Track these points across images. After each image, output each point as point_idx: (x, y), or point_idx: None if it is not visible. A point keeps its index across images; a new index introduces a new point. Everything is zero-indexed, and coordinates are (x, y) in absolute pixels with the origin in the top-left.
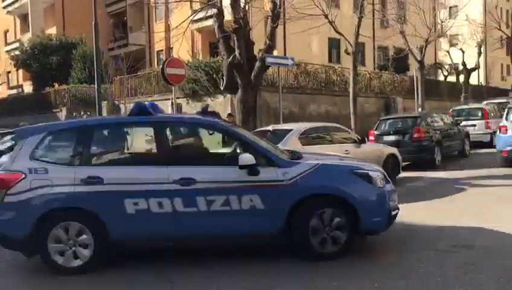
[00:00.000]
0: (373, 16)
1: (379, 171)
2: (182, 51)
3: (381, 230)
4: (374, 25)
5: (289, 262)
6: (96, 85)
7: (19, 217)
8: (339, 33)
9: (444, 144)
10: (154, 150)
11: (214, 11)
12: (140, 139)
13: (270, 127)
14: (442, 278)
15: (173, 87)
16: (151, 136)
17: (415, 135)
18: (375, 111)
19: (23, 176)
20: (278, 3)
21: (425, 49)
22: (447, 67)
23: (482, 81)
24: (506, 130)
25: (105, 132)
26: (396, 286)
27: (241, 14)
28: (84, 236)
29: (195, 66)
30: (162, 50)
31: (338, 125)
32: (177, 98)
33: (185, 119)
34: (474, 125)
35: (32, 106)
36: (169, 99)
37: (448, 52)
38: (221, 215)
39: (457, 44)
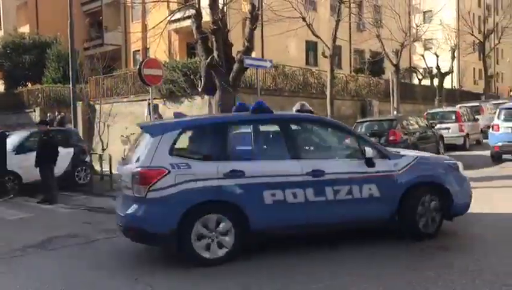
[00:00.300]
0: (349, 20)
1: (459, 161)
2: (158, 51)
3: (466, 211)
4: (350, 28)
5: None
6: (71, 85)
7: (163, 212)
8: (317, 36)
9: (419, 146)
10: (285, 145)
11: (192, 11)
12: (264, 135)
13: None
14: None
15: (150, 88)
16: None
17: (391, 138)
18: (352, 114)
19: (167, 171)
20: (257, 5)
21: (400, 53)
22: (421, 71)
23: (455, 85)
24: (499, 128)
25: (237, 129)
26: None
27: (220, 16)
28: (223, 227)
29: (173, 66)
30: (138, 50)
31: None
32: (154, 98)
33: (309, 117)
34: (448, 128)
35: (4, 105)
36: (145, 100)
37: (422, 56)
38: (345, 204)
39: (431, 48)
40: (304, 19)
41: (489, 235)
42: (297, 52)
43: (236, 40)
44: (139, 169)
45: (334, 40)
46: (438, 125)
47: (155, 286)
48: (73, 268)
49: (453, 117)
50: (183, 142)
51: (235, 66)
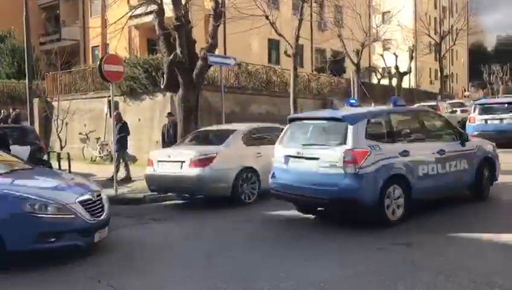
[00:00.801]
0: (311, 19)
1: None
2: (119, 47)
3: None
4: (312, 27)
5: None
6: (27, 81)
7: (370, 185)
8: (280, 34)
9: None
10: (424, 131)
11: (154, 7)
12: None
13: (214, 127)
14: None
15: (111, 85)
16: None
17: None
18: None
19: (369, 152)
20: (220, 2)
21: (361, 52)
22: (380, 70)
23: (413, 84)
24: (475, 120)
25: (399, 118)
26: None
27: (183, 12)
28: (397, 193)
29: (134, 63)
30: (97, 46)
31: (282, 126)
32: (114, 96)
33: (426, 109)
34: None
35: None
36: (105, 97)
37: (382, 56)
38: (454, 174)
39: (390, 48)
40: (267, 17)
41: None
42: (259, 50)
43: (199, 37)
44: (352, 150)
45: (296, 39)
46: None
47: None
48: None
49: None
50: (374, 128)
51: (199, 63)
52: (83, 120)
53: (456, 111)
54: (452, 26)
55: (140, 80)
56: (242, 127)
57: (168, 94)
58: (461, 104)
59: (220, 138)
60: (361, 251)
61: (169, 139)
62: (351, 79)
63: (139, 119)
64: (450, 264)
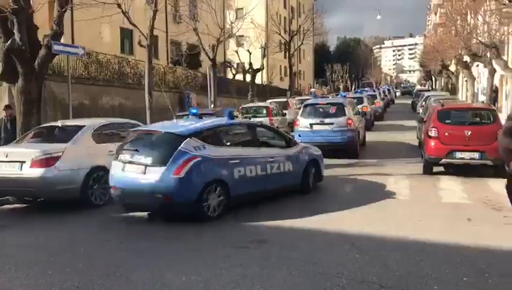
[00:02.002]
0: (166, 10)
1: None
2: None
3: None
4: (167, 19)
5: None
6: None
7: (355, 134)
8: (133, 24)
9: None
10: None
11: None
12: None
13: (59, 123)
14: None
15: None
16: None
17: None
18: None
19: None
20: None
21: (217, 48)
22: (235, 66)
23: (265, 80)
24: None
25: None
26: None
27: None
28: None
29: None
30: None
31: (135, 121)
32: None
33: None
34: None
35: None
36: None
37: (236, 52)
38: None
39: (243, 45)
40: (119, 6)
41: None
42: (111, 39)
43: (43, 23)
44: (350, 118)
45: (151, 30)
46: (253, 119)
47: None
48: None
49: (264, 112)
50: None
51: (42, 51)
52: None
53: None
54: (300, 26)
55: None
56: (92, 122)
57: (6, 84)
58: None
59: (67, 134)
60: (215, 251)
61: (6, 136)
62: (207, 74)
63: None
64: (302, 259)
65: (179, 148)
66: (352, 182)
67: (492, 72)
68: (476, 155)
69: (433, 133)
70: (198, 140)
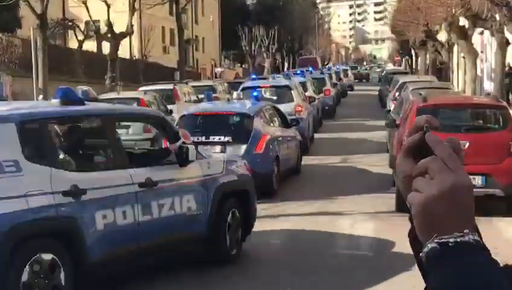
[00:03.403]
0: None
1: None
2: None
3: None
4: None
5: None
6: None
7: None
8: None
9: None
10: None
11: None
12: None
13: None
14: None
15: None
16: None
17: None
18: None
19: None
20: None
21: None
22: (82, 27)
23: (137, 53)
24: None
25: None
26: None
27: None
28: None
29: None
30: None
31: None
32: None
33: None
34: (128, 129)
35: None
36: None
37: (85, 3)
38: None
39: None
40: None
41: None
42: None
43: None
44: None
45: None
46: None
47: None
48: None
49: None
50: None
51: None
52: None
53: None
54: None
55: None
56: None
57: None
58: (211, 88)
59: None
60: None
61: None
62: (32, 40)
63: None
64: None
65: (254, 127)
66: (286, 238)
67: (503, 44)
68: (479, 180)
69: None
70: (260, 119)
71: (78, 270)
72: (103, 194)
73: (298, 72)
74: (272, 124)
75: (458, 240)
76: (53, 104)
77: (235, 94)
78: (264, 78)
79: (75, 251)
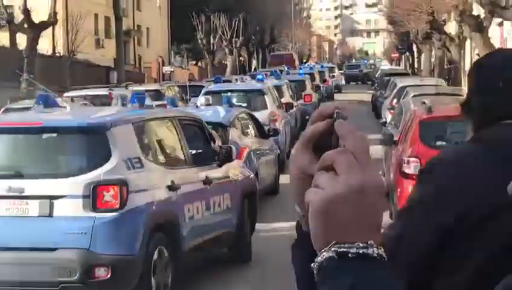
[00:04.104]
0: None
1: None
2: None
3: None
4: None
5: None
6: None
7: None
8: None
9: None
10: None
11: None
12: None
13: None
14: None
15: None
16: None
17: None
18: None
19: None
20: None
21: None
22: None
23: (61, 48)
24: None
25: None
26: None
27: None
28: None
29: None
30: None
31: None
32: None
33: None
34: None
35: None
36: None
37: None
38: None
39: None
40: None
41: None
42: None
43: None
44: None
45: None
46: None
47: None
48: None
49: None
50: None
51: None
52: None
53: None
54: None
55: None
56: None
57: None
58: (159, 92)
59: None
60: None
61: None
62: None
63: None
64: None
65: (230, 138)
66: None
67: None
68: None
69: (412, 168)
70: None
71: (175, 258)
72: (187, 189)
73: (273, 72)
74: (248, 134)
75: (361, 251)
76: (136, 108)
77: (202, 99)
78: (228, 81)
79: (175, 241)
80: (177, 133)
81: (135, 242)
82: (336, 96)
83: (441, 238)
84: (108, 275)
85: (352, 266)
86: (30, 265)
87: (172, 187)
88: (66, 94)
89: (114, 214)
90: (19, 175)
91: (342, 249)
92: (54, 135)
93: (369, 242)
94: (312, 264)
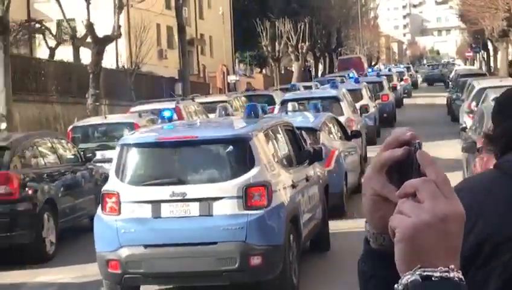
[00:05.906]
0: None
1: None
2: None
3: None
4: None
5: None
6: None
7: None
8: None
9: (62, 203)
10: None
11: None
12: None
13: None
14: None
15: None
16: None
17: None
18: None
19: None
20: None
21: None
22: (53, 31)
23: (125, 62)
24: None
25: None
26: None
27: None
28: None
29: None
30: None
31: None
32: None
33: None
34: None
35: None
36: None
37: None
38: None
39: None
40: None
41: None
42: None
43: None
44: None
45: None
46: (100, 155)
47: None
48: None
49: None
50: None
51: None
52: None
53: None
54: None
55: None
56: None
57: None
58: (224, 106)
59: None
60: None
61: None
62: None
63: None
64: None
65: (321, 142)
66: None
67: None
68: None
69: None
70: (325, 133)
71: (298, 245)
72: (300, 187)
73: (331, 80)
74: (333, 137)
75: (443, 275)
76: (252, 119)
77: (289, 106)
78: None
79: (298, 231)
80: (285, 138)
81: (280, 233)
82: (405, 101)
83: (462, 267)
84: (262, 263)
85: (435, 288)
86: (196, 257)
87: (294, 185)
88: (132, 109)
89: (263, 210)
90: (181, 181)
91: (426, 273)
92: (208, 146)
93: (450, 267)
94: (396, 286)
